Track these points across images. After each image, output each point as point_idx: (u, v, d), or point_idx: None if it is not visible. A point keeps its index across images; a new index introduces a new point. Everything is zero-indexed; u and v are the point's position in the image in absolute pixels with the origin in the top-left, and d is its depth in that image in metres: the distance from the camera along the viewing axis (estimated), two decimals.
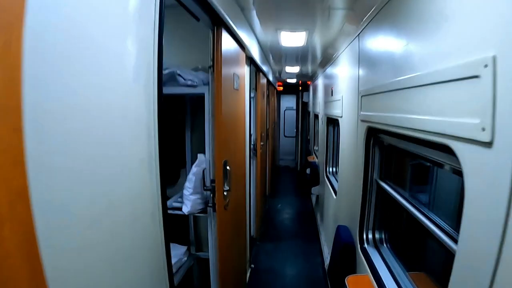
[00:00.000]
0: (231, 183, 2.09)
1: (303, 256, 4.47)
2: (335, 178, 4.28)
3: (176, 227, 2.98)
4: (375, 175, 2.16)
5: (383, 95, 1.72)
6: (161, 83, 1.12)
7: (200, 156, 2.26)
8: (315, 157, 6.56)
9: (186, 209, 2.27)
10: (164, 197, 1.17)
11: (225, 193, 2.04)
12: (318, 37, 3.27)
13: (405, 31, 1.46)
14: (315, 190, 5.41)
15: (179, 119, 2.86)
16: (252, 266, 3.89)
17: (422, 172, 1.84)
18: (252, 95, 4.37)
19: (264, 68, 4.91)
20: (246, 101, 3.19)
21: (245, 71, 2.94)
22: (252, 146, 4.46)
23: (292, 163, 10.49)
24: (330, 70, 4.31)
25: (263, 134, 5.10)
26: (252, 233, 4.52)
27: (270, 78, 6.24)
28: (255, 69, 4.28)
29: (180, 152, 2.94)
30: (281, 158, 10.50)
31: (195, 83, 2.19)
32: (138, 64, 1.01)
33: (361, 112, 2.20)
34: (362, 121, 2.19)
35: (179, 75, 2.15)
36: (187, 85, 2.18)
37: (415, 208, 1.55)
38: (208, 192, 2.09)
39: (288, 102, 10.43)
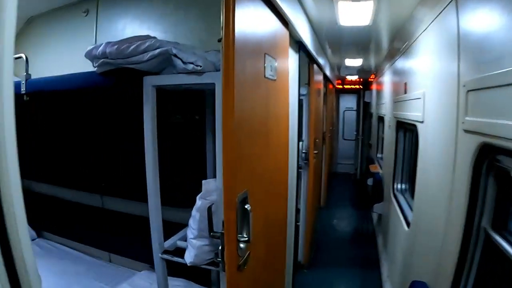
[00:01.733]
0: (253, 230, 1.29)
1: None
2: (404, 198, 3.33)
3: None
4: (485, 222, 1.35)
5: None
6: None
7: (206, 183, 1.51)
8: (378, 166, 5.56)
9: (188, 259, 1.56)
10: None
11: (241, 245, 1.27)
12: (388, 11, 2.40)
13: None
14: (378, 208, 4.54)
15: (196, 120, 2.19)
16: None
17: None
18: (303, 92, 3.59)
19: (320, 60, 4.08)
20: (292, 97, 2.38)
21: (289, 57, 2.13)
22: (303, 155, 3.66)
23: (351, 169, 9.47)
24: (402, 60, 3.38)
25: (317, 140, 4.23)
26: (299, 258, 3.73)
27: (328, 73, 5.37)
28: (308, 60, 3.47)
29: (200, 164, 2.28)
30: (339, 162, 9.56)
31: (199, 67, 1.39)
32: None
33: (467, 118, 1.34)
34: (468, 131, 1.34)
35: (175, 55, 1.40)
36: (188, 71, 1.41)
37: None
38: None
39: (348, 102, 9.64)
